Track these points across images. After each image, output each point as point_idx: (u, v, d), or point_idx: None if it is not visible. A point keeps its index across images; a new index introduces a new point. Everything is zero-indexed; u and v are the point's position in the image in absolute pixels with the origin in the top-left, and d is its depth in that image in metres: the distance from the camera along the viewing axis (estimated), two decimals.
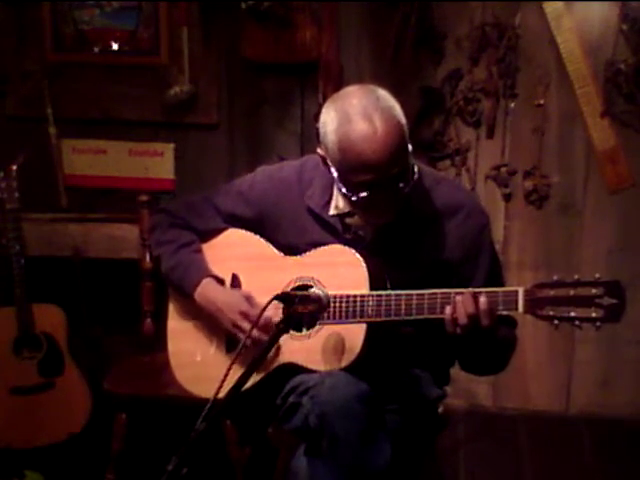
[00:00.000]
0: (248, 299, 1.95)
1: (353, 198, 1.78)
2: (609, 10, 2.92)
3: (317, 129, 1.84)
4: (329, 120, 1.76)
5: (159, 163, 3.21)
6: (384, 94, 1.77)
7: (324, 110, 1.80)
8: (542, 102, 3.02)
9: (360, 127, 1.70)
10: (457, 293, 1.72)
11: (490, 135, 3.08)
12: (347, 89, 1.80)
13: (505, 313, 1.73)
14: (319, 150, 1.85)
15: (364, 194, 1.75)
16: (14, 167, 2.72)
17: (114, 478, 2.38)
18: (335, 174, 1.80)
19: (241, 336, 1.90)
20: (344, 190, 1.79)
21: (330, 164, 1.81)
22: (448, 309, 1.71)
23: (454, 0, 2.99)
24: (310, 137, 3.12)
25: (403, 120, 1.75)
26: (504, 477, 2.87)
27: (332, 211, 1.93)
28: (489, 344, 1.78)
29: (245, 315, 1.92)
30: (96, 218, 3.04)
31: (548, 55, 2.99)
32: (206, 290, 1.99)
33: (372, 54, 3.06)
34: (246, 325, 1.90)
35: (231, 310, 1.94)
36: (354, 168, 1.73)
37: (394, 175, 1.74)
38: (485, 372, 2.00)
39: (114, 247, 2.95)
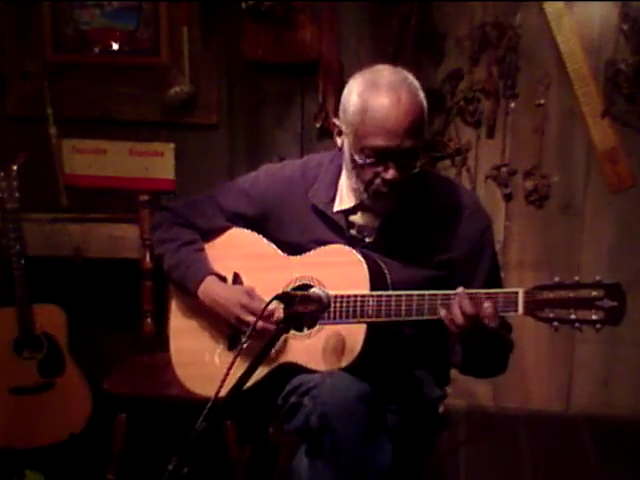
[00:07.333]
0: (249, 293, 1.96)
1: (360, 161, 1.79)
2: (609, 10, 2.93)
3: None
4: (355, 86, 1.81)
5: (159, 163, 3.21)
6: (412, 77, 1.82)
7: (351, 81, 1.84)
8: (542, 102, 3.02)
9: (385, 94, 1.76)
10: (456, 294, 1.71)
11: (490, 135, 3.08)
12: (378, 66, 1.85)
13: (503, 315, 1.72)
14: (335, 120, 1.88)
15: (372, 160, 1.77)
16: (14, 167, 2.72)
17: (114, 478, 2.38)
18: (348, 141, 1.82)
19: (244, 329, 1.91)
20: (354, 156, 1.80)
21: (344, 131, 1.83)
22: (443, 311, 1.71)
23: (454, 0, 2.99)
24: (310, 137, 3.13)
25: (425, 103, 1.80)
26: (504, 477, 2.87)
27: (337, 207, 1.93)
28: (490, 345, 1.78)
29: (247, 308, 1.92)
30: (96, 218, 3.04)
31: (548, 55, 3.00)
32: (208, 287, 2.00)
33: (372, 54, 3.05)
34: (248, 318, 1.91)
35: (233, 304, 1.94)
36: (370, 131, 1.76)
37: (405, 149, 1.76)
38: (483, 374, 2.00)
39: (114, 247, 2.95)
